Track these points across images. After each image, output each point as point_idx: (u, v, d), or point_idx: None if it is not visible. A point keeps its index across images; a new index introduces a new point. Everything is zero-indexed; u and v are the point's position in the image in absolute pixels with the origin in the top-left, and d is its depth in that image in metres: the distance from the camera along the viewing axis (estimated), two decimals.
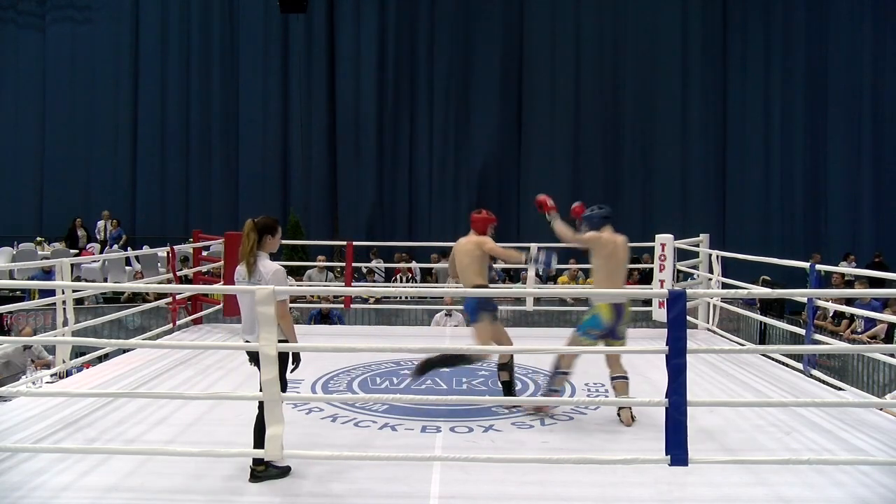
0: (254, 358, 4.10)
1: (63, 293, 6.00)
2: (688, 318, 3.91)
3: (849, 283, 11.93)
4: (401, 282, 12.98)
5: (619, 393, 5.14)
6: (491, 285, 5.82)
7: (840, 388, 6.02)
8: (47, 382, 6.08)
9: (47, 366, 8.00)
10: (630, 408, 5.05)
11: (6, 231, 16.33)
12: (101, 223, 16.19)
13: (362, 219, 17.34)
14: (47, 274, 12.06)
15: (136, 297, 11.60)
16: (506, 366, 5.59)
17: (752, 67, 17.02)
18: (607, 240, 5.27)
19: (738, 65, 17.15)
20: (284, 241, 13.91)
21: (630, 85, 17.22)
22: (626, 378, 5.18)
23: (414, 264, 13.26)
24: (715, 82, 17.14)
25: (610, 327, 5.10)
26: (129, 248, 15.28)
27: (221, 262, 8.60)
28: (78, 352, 6.88)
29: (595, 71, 17.25)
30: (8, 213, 17.03)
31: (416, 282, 13.03)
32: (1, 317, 10.79)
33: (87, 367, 7.15)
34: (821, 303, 7.44)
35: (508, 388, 5.57)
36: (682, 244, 8.62)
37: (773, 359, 6.95)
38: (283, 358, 4.01)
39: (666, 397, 3.69)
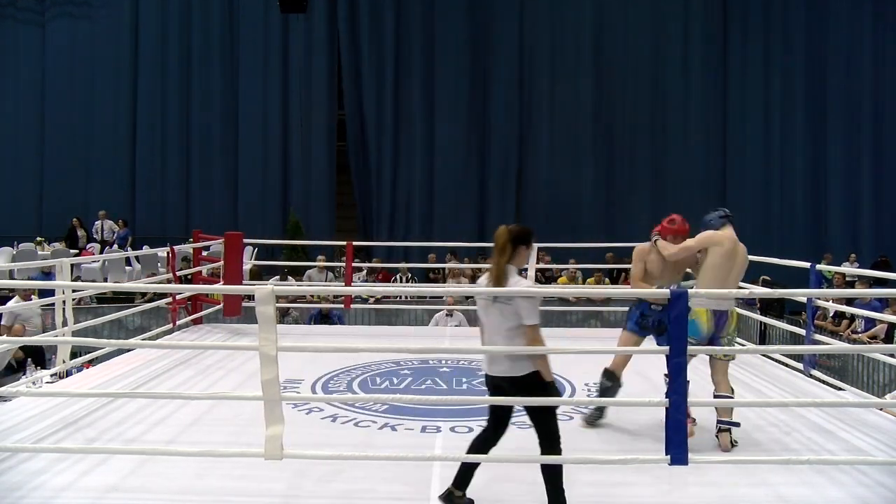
0: (502, 386, 3.63)
1: (63, 293, 5.99)
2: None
3: (850, 284, 11.93)
4: (400, 282, 12.98)
5: (721, 414, 4.56)
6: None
7: (840, 388, 6.02)
8: (47, 382, 6.08)
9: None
10: (730, 431, 4.53)
11: (6, 231, 16.33)
12: (98, 223, 16.18)
13: (362, 218, 17.37)
14: (47, 274, 12.05)
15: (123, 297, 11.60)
16: (612, 375, 5.01)
17: (752, 67, 17.03)
18: (723, 237, 4.75)
19: (738, 65, 17.16)
20: (284, 242, 14.03)
21: (630, 86, 17.22)
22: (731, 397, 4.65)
23: (403, 265, 13.24)
24: (715, 82, 17.15)
25: (708, 336, 4.64)
26: (128, 248, 15.29)
27: (221, 262, 8.60)
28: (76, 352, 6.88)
29: (596, 72, 17.24)
30: (8, 213, 17.03)
31: (415, 282, 13.04)
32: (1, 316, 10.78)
33: (87, 367, 7.15)
34: (821, 303, 7.44)
35: (602, 395, 5.02)
36: None
37: (773, 359, 6.95)
38: (541, 386, 3.57)
39: (666, 397, 3.69)
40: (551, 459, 3.61)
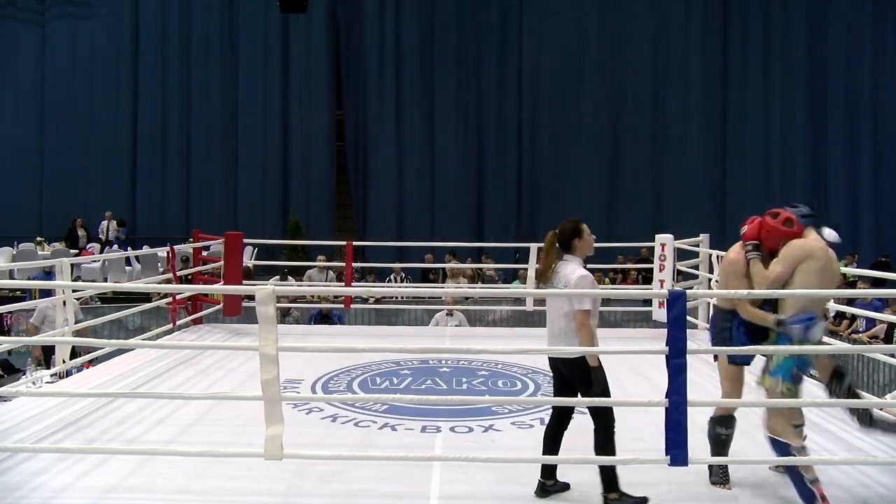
0: (559, 368, 3.88)
1: (63, 293, 5.99)
2: (688, 318, 3.90)
3: (850, 284, 11.92)
4: (396, 282, 12.98)
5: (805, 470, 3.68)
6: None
7: None
8: (47, 382, 6.08)
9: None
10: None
11: (6, 231, 16.33)
12: (104, 223, 16.19)
13: (362, 218, 17.38)
14: (47, 274, 12.04)
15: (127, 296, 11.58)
16: (728, 420, 4.06)
17: (752, 67, 17.03)
18: (815, 248, 3.88)
19: (738, 65, 17.16)
20: (284, 242, 14.02)
21: (631, 85, 17.23)
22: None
23: (397, 265, 13.19)
24: (715, 82, 17.16)
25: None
26: (128, 248, 15.29)
27: (221, 262, 8.60)
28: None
29: (596, 72, 17.25)
30: (8, 213, 17.03)
31: (409, 282, 13.02)
32: (1, 316, 10.79)
33: (87, 367, 7.15)
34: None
35: (721, 446, 4.05)
36: (682, 244, 8.60)
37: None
38: (594, 371, 3.74)
39: (666, 397, 3.68)
40: (548, 459, 3.75)
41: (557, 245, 3.90)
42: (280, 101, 17.62)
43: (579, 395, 3.86)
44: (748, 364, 4.12)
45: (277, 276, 12.75)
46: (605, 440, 3.78)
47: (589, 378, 3.75)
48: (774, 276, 3.85)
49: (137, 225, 17.40)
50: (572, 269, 3.82)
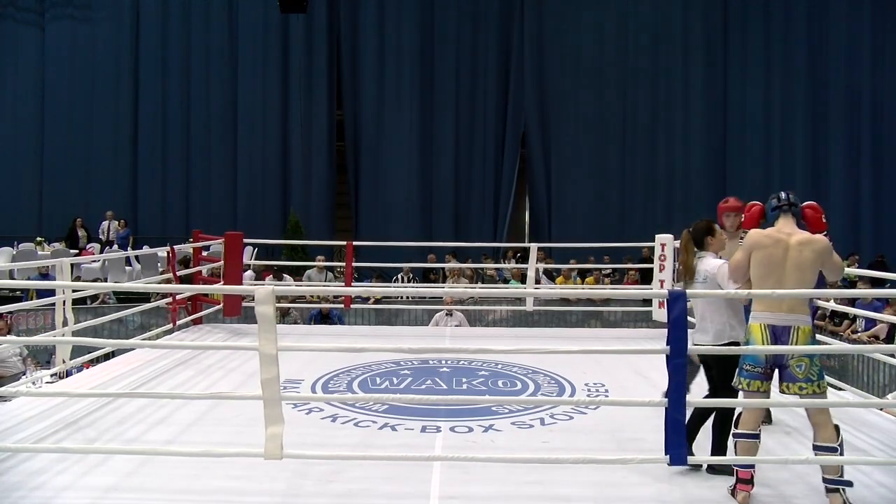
0: (702, 358, 4.19)
1: (63, 293, 5.99)
2: (688, 318, 3.90)
3: (851, 284, 11.93)
4: (400, 282, 12.99)
5: (826, 471, 3.68)
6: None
7: (840, 388, 6.01)
8: (47, 382, 6.08)
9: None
10: (840, 492, 3.62)
11: (6, 231, 16.33)
12: (104, 224, 16.19)
13: (357, 218, 17.40)
14: (44, 276, 12.04)
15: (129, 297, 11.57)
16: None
17: (752, 67, 17.04)
18: (760, 239, 3.89)
19: (738, 65, 17.17)
20: (284, 242, 14.03)
21: (631, 85, 17.23)
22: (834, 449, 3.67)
23: (406, 265, 13.16)
24: (715, 82, 17.16)
25: (769, 360, 3.76)
26: (128, 248, 15.30)
27: (221, 262, 8.60)
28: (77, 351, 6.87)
29: (596, 71, 17.25)
30: (8, 213, 17.03)
31: (415, 282, 13.02)
32: (1, 317, 10.79)
33: (87, 367, 7.15)
34: (821, 303, 7.44)
35: None
36: None
37: None
38: (731, 360, 3.94)
39: (666, 397, 3.69)
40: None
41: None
42: (280, 102, 17.61)
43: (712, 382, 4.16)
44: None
45: (272, 276, 12.64)
46: (722, 428, 4.04)
47: (724, 365, 3.97)
48: (733, 264, 4.05)
49: (138, 225, 17.40)
50: (706, 261, 4.19)
